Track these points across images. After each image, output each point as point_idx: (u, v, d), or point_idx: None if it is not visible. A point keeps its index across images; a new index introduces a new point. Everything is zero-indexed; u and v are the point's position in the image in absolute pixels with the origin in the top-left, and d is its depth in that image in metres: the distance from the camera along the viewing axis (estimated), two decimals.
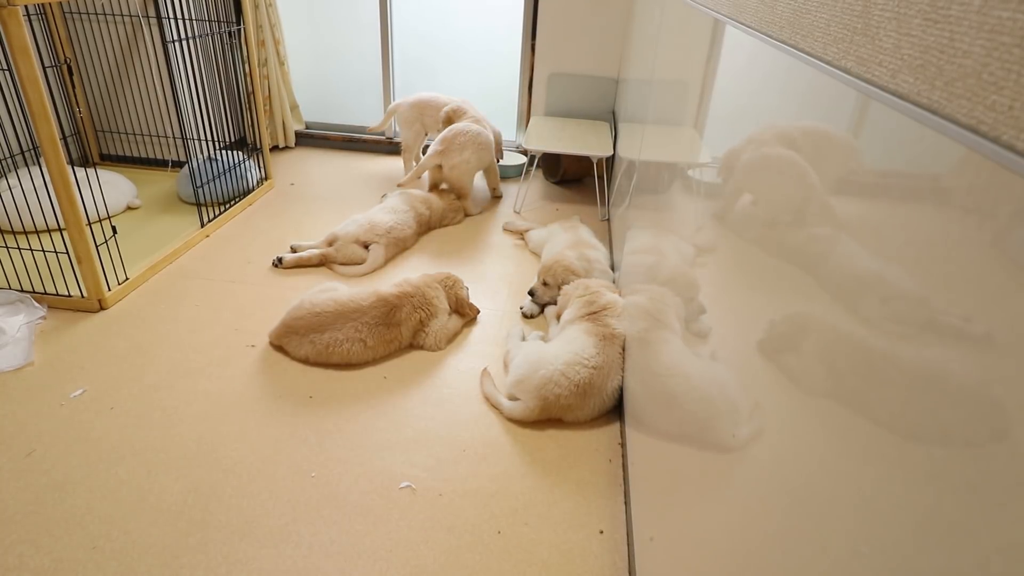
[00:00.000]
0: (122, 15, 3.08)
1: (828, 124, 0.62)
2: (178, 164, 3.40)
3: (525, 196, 3.35)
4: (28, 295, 2.13)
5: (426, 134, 3.44)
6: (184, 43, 2.89)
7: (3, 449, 1.58)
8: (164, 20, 2.98)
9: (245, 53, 3.04)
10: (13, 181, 2.60)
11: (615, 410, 1.81)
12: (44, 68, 1.87)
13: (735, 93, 0.98)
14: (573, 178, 3.55)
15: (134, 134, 3.38)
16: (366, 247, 2.56)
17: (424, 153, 3.35)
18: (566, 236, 2.55)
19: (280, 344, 1.99)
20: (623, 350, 1.80)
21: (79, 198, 2.02)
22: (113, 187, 2.83)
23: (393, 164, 3.71)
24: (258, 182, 3.19)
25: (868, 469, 0.47)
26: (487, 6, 3.64)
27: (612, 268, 2.43)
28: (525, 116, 3.71)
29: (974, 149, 0.37)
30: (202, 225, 2.71)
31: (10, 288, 2.16)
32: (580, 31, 3.39)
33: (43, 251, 2.22)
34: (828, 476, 0.53)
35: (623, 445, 1.70)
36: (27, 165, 2.43)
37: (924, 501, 0.40)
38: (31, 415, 1.70)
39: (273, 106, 3.70)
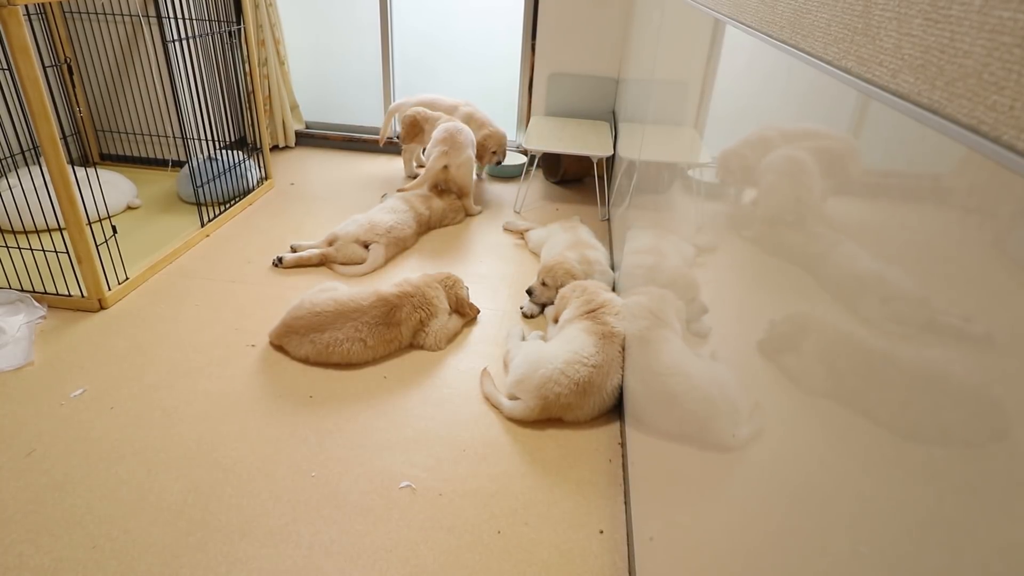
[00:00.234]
0: (122, 15, 3.08)
1: (822, 125, 0.62)
2: (178, 164, 3.40)
3: (525, 196, 3.35)
4: (28, 295, 2.13)
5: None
6: (184, 43, 2.89)
7: (3, 449, 1.58)
8: (164, 20, 2.98)
9: (245, 53, 3.04)
10: (13, 181, 2.60)
11: (615, 410, 1.81)
12: (44, 68, 1.87)
13: (735, 93, 0.98)
14: (573, 178, 3.55)
15: (134, 134, 3.38)
16: (366, 247, 2.56)
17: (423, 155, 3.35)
18: (566, 236, 2.55)
19: (280, 344, 1.99)
20: (622, 349, 1.80)
21: (79, 198, 2.02)
22: (113, 187, 2.82)
23: (393, 164, 3.71)
24: (258, 182, 3.19)
25: (868, 469, 0.47)
26: (487, 6, 3.64)
27: (612, 268, 2.43)
28: (525, 116, 3.71)
29: (975, 149, 0.37)
30: (202, 225, 2.71)
31: (10, 288, 2.16)
32: (580, 31, 3.39)
33: (43, 251, 2.22)
34: (828, 476, 0.53)
35: (623, 445, 1.70)
36: (27, 165, 2.43)
37: (924, 501, 0.40)
38: (31, 415, 1.70)
39: (273, 106, 3.70)
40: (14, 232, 2.53)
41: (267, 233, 2.79)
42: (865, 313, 0.51)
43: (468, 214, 3.11)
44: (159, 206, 2.97)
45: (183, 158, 3.39)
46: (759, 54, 0.86)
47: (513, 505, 1.51)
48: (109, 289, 2.19)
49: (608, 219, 3.09)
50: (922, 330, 0.43)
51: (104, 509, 1.43)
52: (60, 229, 2.16)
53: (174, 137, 3.36)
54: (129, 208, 2.92)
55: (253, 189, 3.13)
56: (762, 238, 0.78)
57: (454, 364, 2.01)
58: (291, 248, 2.60)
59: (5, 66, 1.89)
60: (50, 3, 2.86)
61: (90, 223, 2.10)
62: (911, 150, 0.45)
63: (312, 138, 3.96)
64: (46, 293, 2.16)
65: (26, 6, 2.46)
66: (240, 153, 3.10)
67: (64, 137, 3.20)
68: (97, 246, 2.11)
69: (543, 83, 3.54)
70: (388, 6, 3.61)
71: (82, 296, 2.15)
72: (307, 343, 1.93)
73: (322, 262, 2.55)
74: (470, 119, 3.32)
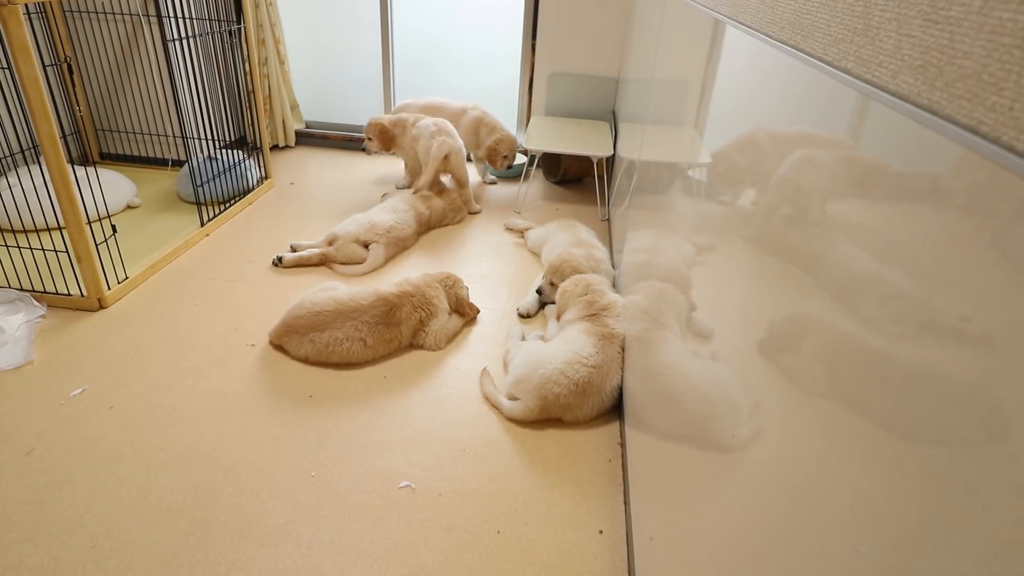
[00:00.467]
0: (122, 14, 3.08)
1: (814, 127, 0.62)
2: (178, 163, 3.40)
3: (525, 196, 3.35)
4: (28, 294, 2.13)
5: None
6: (184, 42, 2.89)
7: (2, 448, 1.58)
8: (164, 19, 2.98)
9: (245, 52, 3.04)
10: (13, 180, 2.60)
11: (615, 410, 1.81)
12: (44, 67, 1.87)
13: (735, 93, 0.98)
14: (573, 178, 3.55)
15: (134, 133, 3.38)
16: (366, 246, 2.56)
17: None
18: (566, 236, 2.56)
19: (280, 343, 1.99)
20: (622, 349, 1.80)
21: (79, 197, 2.02)
22: (113, 186, 2.82)
23: (394, 164, 3.71)
24: (258, 181, 3.19)
25: (867, 469, 0.47)
26: (487, 6, 3.64)
27: (612, 267, 2.43)
28: (525, 116, 3.71)
29: (974, 150, 0.37)
30: (202, 224, 2.71)
31: (10, 287, 2.16)
32: (581, 31, 3.39)
33: (43, 250, 2.22)
34: (827, 476, 0.53)
35: (623, 445, 1.70)
36: (27, 164, 2.43)
37: (923, 501, 0.40)
38: (30, 414, 1.70)
39: (273, 105, 3.70)
40: (14, 231, 2.53)
41: (267, 233, 2.79)
42: (865, 313, 0.51)
43: (470, 211, 3.12)
44: (159, 205, 2.97)
45: (183, 157, 3.39)
46: (759, 54, 0.86)
47: (513, 505, 1.51)
48: (109, 288, 2.19)
49: (608, 219, 3.09)
50: (921, 330, 0.43)
51: (103, 508, 1.43)
52: (60, 228, 2.16)
53: (174, 136, 3.36)
54: (129, 207, 2.92)
55: (253, 188, 3.13)
56: (762, 238, 0.78)
57: (454, 364, 2.01)
58: (291, 248, 2.60)
59: (5, 65, 1.89)
60: (50, 2, 2.86)
61: (90, 222, 2.10)
62: (910, 151, 0.45)
63: (312, 138, 3.96)
64: (46, 292, 2.16)
65: (26, 5, 2.46)
66: (240, 152, 3.10)
67: (64, 136, 3.20)
68: (97, 245, 2.11)
69: (543, 83, 3.54)
70: (388, 5, 3.61)
71: (82, 295, 2.15)
72: (307, 343, 1.93)
73: (322, 262, 2.55)
74: (480, 123, 3.31)
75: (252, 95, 3.08)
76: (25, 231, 2.53)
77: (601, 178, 3.26)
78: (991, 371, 0.35)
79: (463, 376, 1.95)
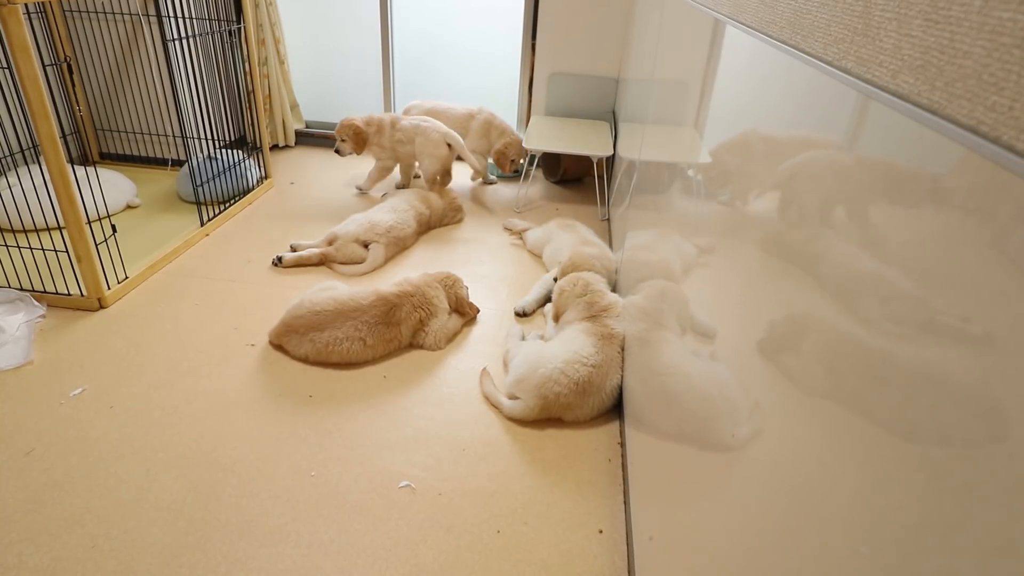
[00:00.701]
0: (122, 13, 3.08)
1: (807, 129, 0.62)
2: (178, 163, 3.40)
3: (525, 196, 3.35)
4: (28, 294, 2.13)
5: None
6: (184, 42, 2.89)
7: (2, 448, 1.58)
8: (164, 19, 2.98)
9: (245, 52, 3.03)
10: (13, 180, 2.60)
11: (615, 409, 1.81)
12: (44, 66, 1.87)
13: (735, 93, 0.98)
14: (573, 178, 3.55)
15: (134, 133, 3.38)
16: (366, 246, 2.56)
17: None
18: (569, 236, 2.55)
19: (280, 343, 1.99)
20: (622, 349, 1.80)
21: (79, 197, 2.02)
22: (113, 186, 2.82)
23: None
24: (258, 181, 3.19)
25: (867, 469, 0.47)
26: (487, 5, 3.64)
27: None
28: (525, 116, 3.71)
29: (974, 150, 0.37)
30: (202, 224, 2.71)
31: (9, 287, 2.16)
32: (580, 31, 3.39)
33: (43, 250, 2.22)
34: (827, 476, 0.53)
35: (623, 444, 1.70)
36: (27, 163, 2.43)
37: (923, 501, 0.40)
38: (30, 414, 1.70)
39: (273, 105, 3.70)
40: (13, 231, 2.53)
41: (267, 232, 2.79)
42: (864, 313, 0.51)
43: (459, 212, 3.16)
44: (159, 205, 2.97)
45: (183, 157, 3.38)
46: (759, 54, 0.86)
47: (512, 505, 1.51)
48: (109, 288, 2.19)
49: (608, 219, 3.09)
50: (921, 330, 0.43)
51: (103, 508, 1.43)
52: (60, 228, 2.16)
53: (174, 136, 3.36)
54: (129, 207, 2.92)
55: (253, 188, 3.13)
56: (762, 238, 0.78)
57: (454, 364, 2.01)
58: (291, 247, 2.60)
59: (5, 65, 1.89)
60: (50, 2, 2.86)
61: (90, 222, 2.10)
62: (911, 150, 0.46)
63: (312, 137, 3.96)
64: (45, 292, 2.16)
65: (26, 5, 2.46)
66: (240, 152, 3.10)
67: (64, 136, 3.20)
68: (96, 245, 2.11)
69: (543, 83, 3.54)
70: (388, 5, 3.61)
71: (81, 295, 2.15)
72: (307, 342, 1.93)
73: (322, 261, 2.55)
74: (490, 126, 3.31)
75: (252, 95, 3.08)
76: (25, 231, 2.53)
77: (601, 178, 3.26)
78: (991, 371, 0.35)
79: (463, 376, 1.95)
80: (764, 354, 0.72)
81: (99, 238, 2.14)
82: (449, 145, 3.08)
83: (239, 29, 3.01)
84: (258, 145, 3.19)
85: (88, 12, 3.08)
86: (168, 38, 2.95)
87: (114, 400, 1.76)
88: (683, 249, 1.24)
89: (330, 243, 2.57)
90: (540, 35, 3.43)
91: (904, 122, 0.46)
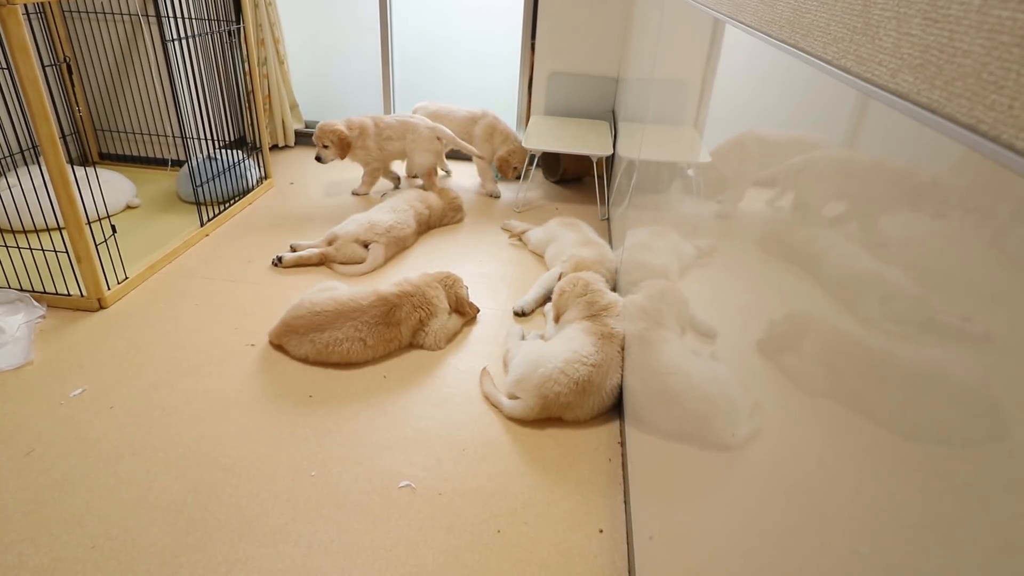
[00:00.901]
0: (122, 14, 3.08)
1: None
2: (178, 163, 3.40)
3: (525, 195, 3.35)
4: (27, 294, 2.13)
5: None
6: (184, 42, 2.89)
7: (3, 448, 1.58)
8: (164, 19, 2.98)
9: (245, 52, 3.03)
10: (12, 180, 2.60)
11: (615, 409, 1.81)
12: (43, 67, 1.87)
13: (735, 92, 0.98)
14: (573, 177, 3.55)
15: (134, 133, 3.38)
16: (366, 246, 2.56)
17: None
18: (572, 235, 2.55)
19: (280, 343, 1.99)
20: (621, 349, 1.80)
21: (78, 197, 2.02)
22: (112, 186, 2.82)
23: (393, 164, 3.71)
24: (258, 181, 3.19)
25: (867, 468, 0.47)
26: (487, 5, 3.64)
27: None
28: (525, 115, 3.70)
29: (974, 148, 0.37)
30: (202, 224, 2.71)
31: (9, 287, 2.16)
32: (580, 30, 3.38)
33: (42, 250, 2.22)
34: (827, 475, 0.53)
35: (623, 444, 1.70)
36: (26, 164, 2.43)
37: (923, 500, 0.40)
38: (30, 414, 1.69)
39: (273, 105, 3.70)
40: (13, 232, 2.53)
41: (267, 233, 2.79)
42: (864, 313, 0.51)
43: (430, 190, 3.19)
44: (158, 205, 2.97)
45: (182, 157, 3.38)
46: (759, 53, 0.86)
47: (513, 504, 1.51)
48: (108, 288, 2.19)
49: (608, 218, 3.09)
50: (921, 330, 0.43)
51: (103, 508, 1.43)
52: (59, 228, 2.16)
53: (173, 136, 3.36)
54: (128, 207, 2.91)
55: (253, 188, 3.13)
56: (761, 237, 0.78)
57: (454, 363, 2.01)
58: (291, 247, 2.60)
59: (4, 65, 1.89)
60: (49, 2, 2.86)
61: (89, 222, 2.10)
62: (910, 149, 0.45)
63: (312, 137, 3.95)
64: (45, 292, 2.16)
65: (25, 5, 2.46)
66: (240, 152, 3.10)
67: (63, 136, 3.20)
68: (96, 245, 2.11)
69: (543, 82, 3.54)
70: (388, 5, 3.61)
71: (81, 296, 2.15)
72: (307, 342, 1.93)
73: (322, 261, 2.55)
74: (494, 130, 3.29)
75: (251, 95, 3.08)
76: (25, 231, 2.53)
77: (601, 177, 3.26)
78: (991, 370, 0.35)
79: (463, 376, 1.95)
80: (764, 353, 0.72)
81: (99, 238, 2.14)
82: (439, 139, 3.10)
83: (238, 29, 3.00)
84: (258, 145, 3.19)
85: (87, 12, 3.08)
86: (168, 38, 2.95)
87: (114, 400, 1.76)
88: (681, 248, 1.24)
89: (330, 243, 2.57)
90: (539, 35, 3.43)
91: (903, 121, 0.46)
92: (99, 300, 2.16)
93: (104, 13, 3.08)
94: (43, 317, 2.11)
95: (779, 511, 0.62)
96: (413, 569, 1.34)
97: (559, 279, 2.25)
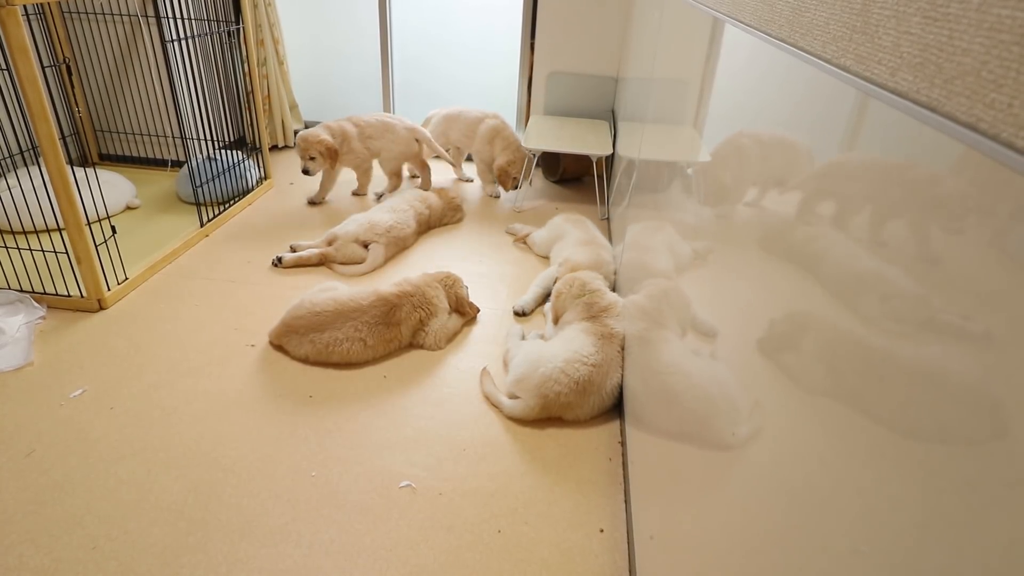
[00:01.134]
0: (121, 15, 3.08)
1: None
2: (177, 164, 3.40)
3: (525, 195, 3.34)
4: (27, 295, 2.13)
5: (457, 148, 3.43)
6: (183, 43, 2.89)
7: (3, 449, 1.58)
8: (163, 20, 2.98)
9: (244, 52, 3.03)
10: (12, 181, 2.60)
11: (615, 409, 1.81)
12: (43, 68, 1.87)
13: (735, 92, 0.98)
14: (573, 177, 3.55)
15: (133, 134, 3.38)
16: (366, 246, 2.56)
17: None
18: (577, 233, 2.54)
19: (280, 343, 1.99)
20: (622, 348, 1.80)
21: (78, 198, 2.02)
22: (112, 187, 2.82)
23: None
24: (257, 181, 3.19)
25: (868, 467, 0.47)
26: (486, 5, 3.64)
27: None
28: (524, 115, 3.70)
29: (973, 147, 0.37)
30: (201, 225, 2.71)
31: (9, 288, 2.16)
32: (579, 30, 3.38)
33: (42, 251, 2.22)
34: (828, 474, 0.53)
35: (623, 444, 1.70)
36: (26, 165, 2.43)
37: (924, 499, 0.40)
38: (31, 415, 1.70)
39: (272, 105, 3.70)
40: (13, 232, 2.53)
41: (266, 233, 2.79)
42: (864, 311, 0.51)
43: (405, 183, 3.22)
44: (158, 206, 2.97)
45: (182, 158, 3.38)
46: (758, 53, 0.86)
47: (513, 504, 1.51)
48: (108, 289, 2.19)
49: (608, 218, 3.09)
50: (921, 328, 0.43)
51: (104, 509, 1.44)
52: (59, 229, 2.16)
53: (173, 137, 3.36)
54: (128, 208, 2.91)
55: (252, 189, 3.13)
56: (761, 237, 0.78)
57: (454, 363, 2.01)
58: (291, 248, 2.60)
59: (4, 66, 1.89)
60: (49, 3, 2.86)
61: (89, 223, 2.10)
62: (909, 148, 0.45)
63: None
64: (45, 293, 2.16)
65: (25, 6, 2.46)
66: (239, 153, 3.10)
67: (63, 137, 3.20)
68: (96, 246, 2.11)
69: (542, 82, 3.54)
70: (387, 5, 3.61)
71: (81, 296, 2.15)
72: (307, 343, 1.93)
73: (321, 262, 2.55)
74: (496, 134, 3.20)
75: (251, 95, 3.08)
76: (25, 232, 2.53)
77: (600, 177, 3.26)
78: (991, 369, 0.35)
79: (463, 375, 1.95)
80: (764, 353, 0.72)
81: (99, 239, 2.14)
82: (417, 140, 3.09)
83: (238, 30, 3.00)
84: (257, 146, 3.19)
85: (87, 13, 3.08)
86: (167, 39, 2.95)
87: (114, 401, 1.76)
88: (680, 248, 1.24)
89: (330, 243, 2.57)
90: (539, 34, 3.43)
91: (903, 120, 0.46)
92: (99, 301, 2.16)
93: (104, 14, 3.08)
94: (43, 318, 2.11)
95: (780, 510, 0.62)
96: (414, 569, 1.34)
97: (556, 281, 2.25)
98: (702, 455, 0.92)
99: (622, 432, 1.74)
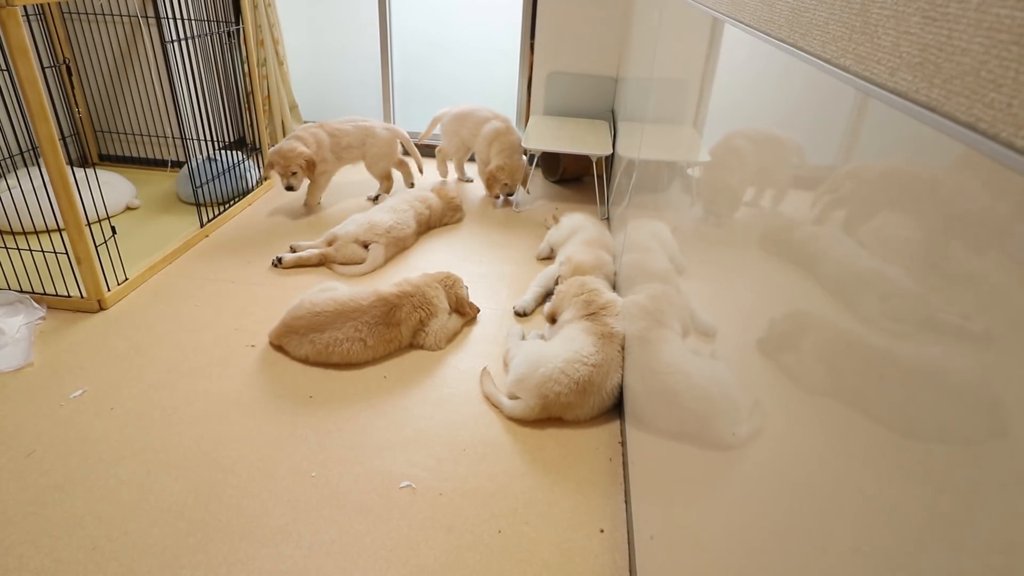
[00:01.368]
0: (121, 15, 3.08)
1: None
2: (177, 164, 3.40)
3: (524, 196, 3.34)
4: (28, 295, 2.13)
5: (468, 148, 3.37)
6: (183, 43, 2.89)
7: (3, 450, 1.58)
8: (163, 20, 2.98)
9: (244, 53, 3.04)
10: (12, 182, 2.60)
11: (615, 409, 1.81)
12: (43, 68, 1.87)
13: (734, 92, 0.98)
14: (573, 177, 3.55)
15: (133, 134, 3.38)
16: (366, 247, 2.56)
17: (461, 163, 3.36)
18: (592, 230, 2.53)
19: (280, 344, 1.99)
20: (622, 348, 1.80)
21: (78, 198, 2.02)
22: (112, 187, 2.82)
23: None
24: (257, 182, 3.19)
25: (868, 467, 0.47)
26: (486, 4, 3.64)
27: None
28: (524, 115, 3.70)
29: (972, 147, 0.37)
30: (201, 225, 2.71)
31: (9, 289, 2.16)
32: (579, 30, 3.38)
33: (42, 252, 2.22)
34: (828, 474, 0.53)
35: (623, 444, 1.70)
36: (26, 166, 2.43)
37: (924, 499, 0.40)
38: (31, 416, 1.70)
39: (272, 106, 3.70)
40: (13, 233, 2.53)
41: (266, 233, 2.79)
42: (864, 311, 0.51)
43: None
44: (158, 207, 2.97)
45: (182, 159, 3.39)
46: (758, 53, 0.86)
47: (513, 504, 1.51)
48: (108, 290, 2.19)
49: (608, 218, 3.09)
50: (921, 328, 0.43)
51: (104, 510, 1.44)
52: (59, 230, 2.16)
53: (173, 138, 3.36)
54: (128, 209, 2.92)
55: (252, 189, 3.13)
56: (761, 236, 0.78)
57: (454, 364, 2.01)
58: (290, 248, 2.60)
59: (4, 67, 1.89)
60: (49, 4, 2.86)
61: (89, 224, 2.10)
62: (909, 148, 0.45)
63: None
64: (45, 294, 2.16)
65: (25, 7, 2.46)
66: (239, 153, 3.10)
67: (63, 138, 3.20)
68: (96, 247, 2.11)
69: (542, 82, 3.54)
70: (387, 5, 3.61)
71: (81, 297, 2.15)
72: (307, 343, 1.93)
73: (321, 262, 2.55)
74: (496, 138, 3.14)
75: (251, 96, 3.08)
76: (25, 233, 2.53)
77: (600, 177, 3.26)
78: (991, 368, 0.35)
79: (463, 376, 1.95)
80: (764, 352, 0.72)
81: (99, 240, 2.14)
82: (400, 142, 3.08)
83: (238, 30, 3.01)
84: (257, 146, 3.19)
85: (87, 14, 3.08)
86: (167, 40, 2.95)
87: (114, 401, 1.76)
88: (676, 248, 1.24)
89: (330, 244, 2.57)
90: (539, 34, 3.43)
91: (902, 119, 0.46)
92: (99, 301, 2.16)
93: (104, 15, 3.08)
94: (43, 318, 2.11)
95: (780, 510, 0.62)
96: (414, 569, 1.34)
97: (556, 282, 2.25)
98: (702, 455, 0.92)
99: (622, 432, 1.74)
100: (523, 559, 1.38)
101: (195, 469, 1.56)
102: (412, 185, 3.35)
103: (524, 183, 3.20)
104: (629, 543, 1.42)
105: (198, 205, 2.72)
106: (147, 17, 3.09)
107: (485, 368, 1.95)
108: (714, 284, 0.99)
